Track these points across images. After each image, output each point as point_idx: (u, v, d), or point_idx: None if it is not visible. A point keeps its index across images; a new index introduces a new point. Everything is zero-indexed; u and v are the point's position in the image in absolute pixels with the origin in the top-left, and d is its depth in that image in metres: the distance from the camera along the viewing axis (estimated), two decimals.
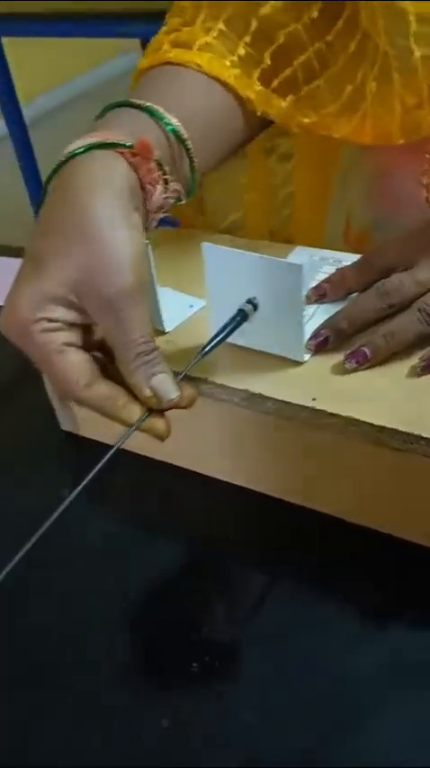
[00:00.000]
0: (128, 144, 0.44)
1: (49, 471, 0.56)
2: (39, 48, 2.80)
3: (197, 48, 0.55)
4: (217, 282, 0.47)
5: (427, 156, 0.64)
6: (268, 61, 0.57)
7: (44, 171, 2.15)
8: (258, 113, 0.57)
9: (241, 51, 0.56)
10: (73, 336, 0.41)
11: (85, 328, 0.43)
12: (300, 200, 0.81)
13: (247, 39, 0.57)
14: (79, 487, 0.40)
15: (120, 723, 0.39)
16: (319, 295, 0.51)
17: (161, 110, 0.49)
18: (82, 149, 0.44)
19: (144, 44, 2.25)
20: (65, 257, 0.40)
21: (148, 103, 0.49)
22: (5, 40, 1.98)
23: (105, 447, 0.55)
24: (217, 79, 0.55)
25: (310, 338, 0.47)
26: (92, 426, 0.57)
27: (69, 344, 0.41)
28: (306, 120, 0.61)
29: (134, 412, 0.42)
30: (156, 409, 0.42)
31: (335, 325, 0.48)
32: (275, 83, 0.59)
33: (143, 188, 0.45)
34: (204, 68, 0.54)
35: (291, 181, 0.80)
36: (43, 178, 1.79)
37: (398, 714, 0.39)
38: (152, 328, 0.43)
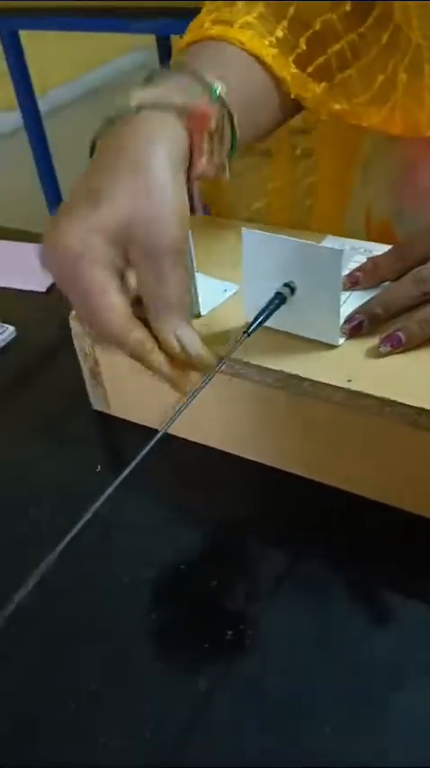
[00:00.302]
0: (186, 109, 0.45)
1: (79, 448, 0.57)
2: (54, 42, 2.81)
3: (238, 26, 0.56)
4: (254, 266, 0.48)
5: None
6: (303, 46, 0.59)
7: (57, 162, 2.16)
8: (292, 95, 0.58)
9: (279, 33, 0.57)
10: (115, 278, 0.41)
11: (122, 275, 0.42)
12: (321, 191, 0.82)
13: (285, 23, 0.58)
14: (130, 467, 0.41)
15: (159, 685, 0.41)
16: (352, 283, 0.52)
17: (209, 78, 0.49)
18: (145, 106, 0.45)
19: (159, 40, 2.27)
20: (120, 196, 0.41)
21: (201, 72, 0.49)
22: (22, 33, 2.00)
23: (135, 426, 0.57)
24: (256, 57, 0.55)
25: (345, 322, 0.49)
26: (122, 406, 0.58)
27: (111, 284, 0.41)
28: (337, 107, 0.62)
29: (160, 359, 0.42)
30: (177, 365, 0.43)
31: (370, 311, 0.49)
32: (310, 69, 0.60)
33: (191, 154, 0.46)
34: (246, 45, 0.55)
35: (312, 172, 0.81)
36: (57, 169, 1.81)
37: (421, 693, 0.40)
38: (186, 287, 0.43)
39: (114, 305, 0.41)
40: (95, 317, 0.41)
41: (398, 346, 0.47)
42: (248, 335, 0.46)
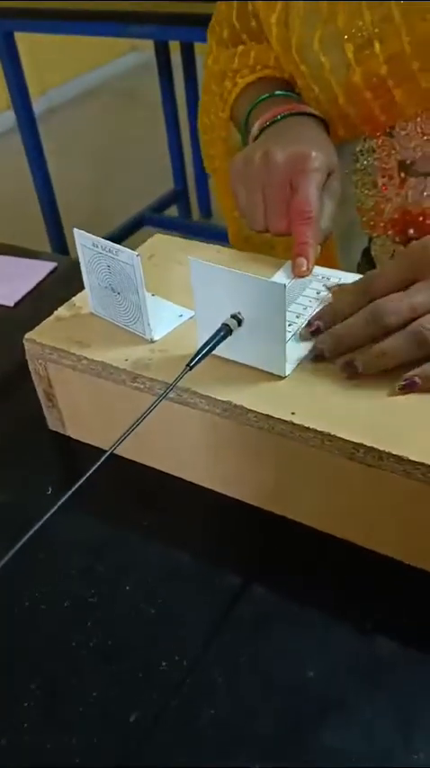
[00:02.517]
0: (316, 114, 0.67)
1: (34, 469, 0.57)
2: (55, 41, 2.82)
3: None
4: (204, 296, 0.49)
5: (353, 156, 0.71)
6: None
7: (51, 163, 2.17)
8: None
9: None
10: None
11: None
12: None
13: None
14: (71, 491, 0.41)
15: (90, 716, 0.41)
16: (313, 332, 0.51)
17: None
18: (289, 114, 0.66)
19: (157, 44, 2.27)
20: (313, 142, 0.61)
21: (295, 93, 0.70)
22: (22, 34, 2.00)
23: (90, 447, 0.57)
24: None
25: (310, 351, 0.50)
26: (77, 428, 0.58)
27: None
28: None
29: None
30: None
31: (333, 343, 0.49)
32: None
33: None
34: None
35: None
36: (50, 171, 1.84)
37: (358, 711, 0.40)
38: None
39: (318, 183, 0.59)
40: (303, 188, 0.58)
41: (354, 376, 0.47)
42: (191, 369, 0.46)
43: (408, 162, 0.67)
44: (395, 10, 0.59)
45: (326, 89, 0.66)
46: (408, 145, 0.66)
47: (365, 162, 0.70)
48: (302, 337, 0.51)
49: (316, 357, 0.49)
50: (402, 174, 0.68)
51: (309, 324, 0.51)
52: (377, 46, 0.61)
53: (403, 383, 0.46)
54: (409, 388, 0.46)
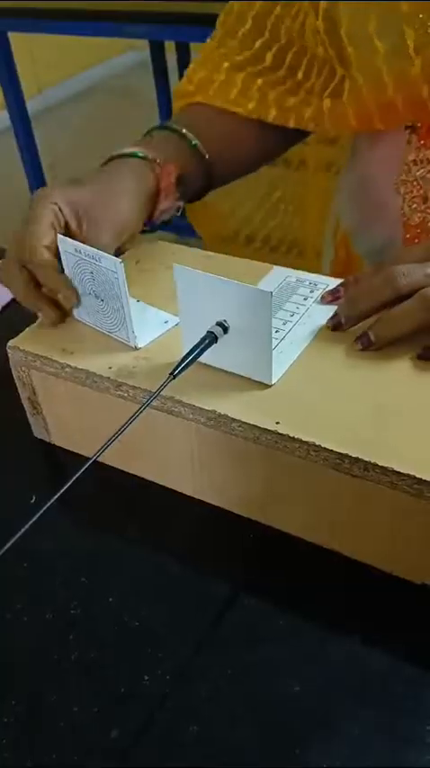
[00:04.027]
0: (158, 161, 0.63)
1: (18, 477, 0.56)
2: (53, 40, 2.80)
3: (212, 91, 0.72)
4: (188, 303, 0.48)
5: (405, 165, 0.66)
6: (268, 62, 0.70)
7: (46, 164, 2.16)
8: (255, 116, 0.70)
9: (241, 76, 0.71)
10: (54, 219, 0.56)
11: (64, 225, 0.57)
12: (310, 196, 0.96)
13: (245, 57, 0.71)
14: (54, 497, 0.41)
15: (71, 732, 0.40)
16: (335, 297, 0.54)
17: (190, 134, 0.68)
18: (129, 153, 0.63)
19: (152, 43, 2.25)
20: (93, 187, 0.59)
21: (183, 130, 0.68)
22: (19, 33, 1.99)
23: (75, 456, 0.57)
24: (226, 110, 0.71)
25: (329, 320, 0.52)
26: (62, 436, 0.57)
27: (49, 219, 0.55)
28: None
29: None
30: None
31: (349, 308, 0.51)
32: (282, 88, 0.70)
33: (158, 193, 0.63)
34: (217, 105, 0.71)
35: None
36: (45, 171, 1.87)
37: (347, 726, 0.39)
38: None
39: (44, 231, 0.54)
40: (29, 232, 0.54)
41: (369, 346, 0.49)
42: (174, 377, 0.45)
43: None
44: None
45: (373, 77, 0.59)
46: None
47: (417, 173, 0.65)
48: (324, 300, 0.54)
49: (334, 327, 0.51)
50: None
51: (334, 290, 0.54)
52: None
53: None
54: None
